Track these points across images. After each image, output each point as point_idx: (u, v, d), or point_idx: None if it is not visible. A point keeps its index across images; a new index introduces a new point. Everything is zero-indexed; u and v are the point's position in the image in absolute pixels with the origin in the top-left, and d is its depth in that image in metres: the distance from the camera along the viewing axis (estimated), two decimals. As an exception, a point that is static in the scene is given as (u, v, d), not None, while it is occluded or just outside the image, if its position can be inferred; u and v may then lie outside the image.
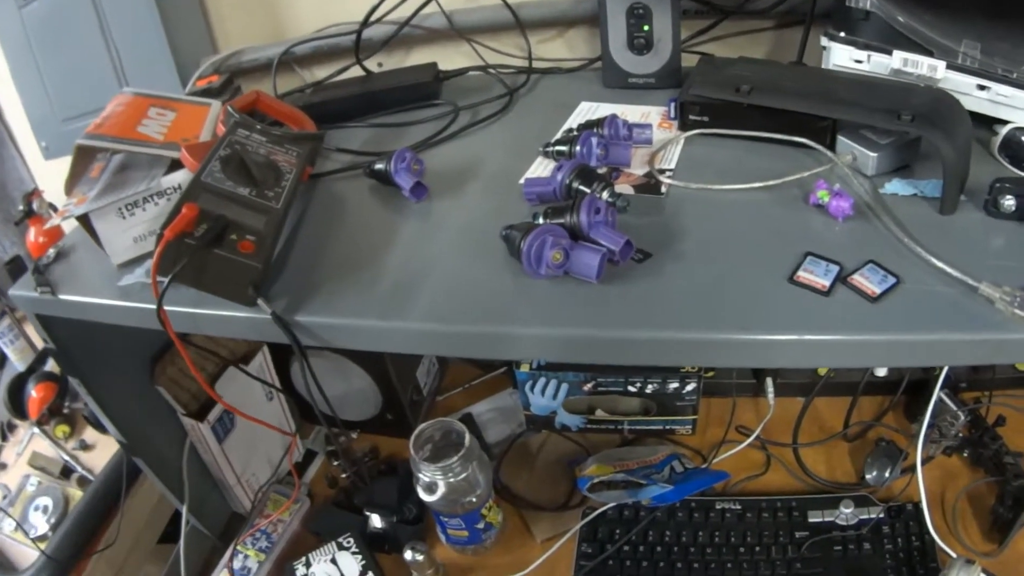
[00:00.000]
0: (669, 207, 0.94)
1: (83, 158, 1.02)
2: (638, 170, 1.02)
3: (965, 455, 1.36)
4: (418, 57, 1.53)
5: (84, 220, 0.96)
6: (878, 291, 0.77)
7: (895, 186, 0.93)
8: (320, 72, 1.53)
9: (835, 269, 0.80)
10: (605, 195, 0.89)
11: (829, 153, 0.98)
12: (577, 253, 0.80)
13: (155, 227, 0.96)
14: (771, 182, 0.93)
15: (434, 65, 1.36)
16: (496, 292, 0.83)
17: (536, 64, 1.41)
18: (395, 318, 0.82)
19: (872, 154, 0.96)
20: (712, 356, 0.81)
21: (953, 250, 0.80)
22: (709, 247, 0.86)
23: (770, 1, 1.34)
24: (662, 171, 1.00)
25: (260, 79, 1.52)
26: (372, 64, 1.46)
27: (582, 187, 0.91)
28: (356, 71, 1.44)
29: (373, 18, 1.41)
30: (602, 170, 0.99)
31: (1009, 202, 0.86)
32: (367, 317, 0.83)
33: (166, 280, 0.81)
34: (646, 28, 1.22)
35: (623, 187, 0.99)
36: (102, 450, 1.55)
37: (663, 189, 0.97)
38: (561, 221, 0.85)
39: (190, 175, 0.94)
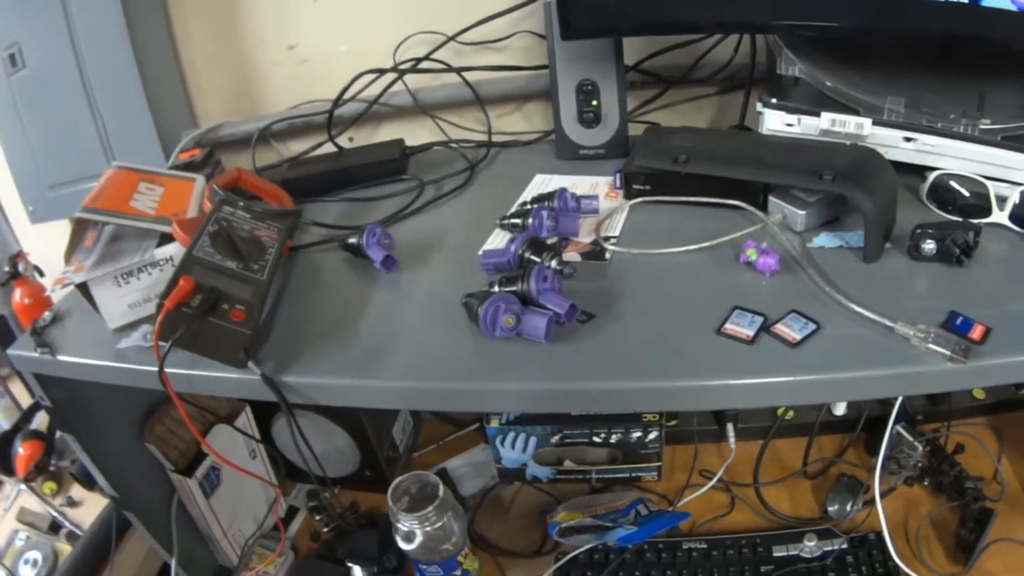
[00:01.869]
0: (612, 272, 1.06)
1: (80, 229, 1.15)
2: (586, 238, 1.14)
3: (926, 484, 1.46)
4: (386, 132, 1.67)
5: (82, 287, 1.07)
6: (798, 337, 0.87)
7: (822, 239, 1.06)
8: (294, 146, 1.66)
9: (759, 320, 0.91)
10: (553, 264, 1.01)
11: (760, 213, 1.10)
12: (527, 317, 0.92)
13: (149, 295, 1.09)
14: (705, 244, 1.05)
15: (401, 141, 1.48)
16: (459, 352, 0.95)
17: (495, 138, 1.54)
18: (371, 377, 0.93)
19: (800, 212, 1.08)
20: (645, 402, 0.95)
21: (875, 294, 0.92)
22: (647, 307, 0.98)
23: (711, 70, 1.49)
24: (607, 238, 1.12)
25: (238, 152, 1.65)
26: (343, 139, 1.59)
27: (533, 257, 1.03)
28: (329, 146, 1.57)
29: (344, 97, 1.55)
30: (552, 240, 1.12)
31: (929, 246, 0.97)
32: (346, 376, 0.94)
33: (167, 345, 0.91)
34: (594, 103, 1.35)
35: (571, 255, 1.10)
36: (89, 507, 1.65)
37: (607, 256, 1.09)
38: (513, 289, 0.96)
39: (182, 249, 1.07)
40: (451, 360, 0.95)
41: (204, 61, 1.67)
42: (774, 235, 1.08)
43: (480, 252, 1.14)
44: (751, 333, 0.90)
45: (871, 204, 0.98)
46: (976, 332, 0.85)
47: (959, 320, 0.87)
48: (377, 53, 1.57)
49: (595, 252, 1.11)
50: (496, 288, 0.99)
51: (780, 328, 0.90)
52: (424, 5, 1.56)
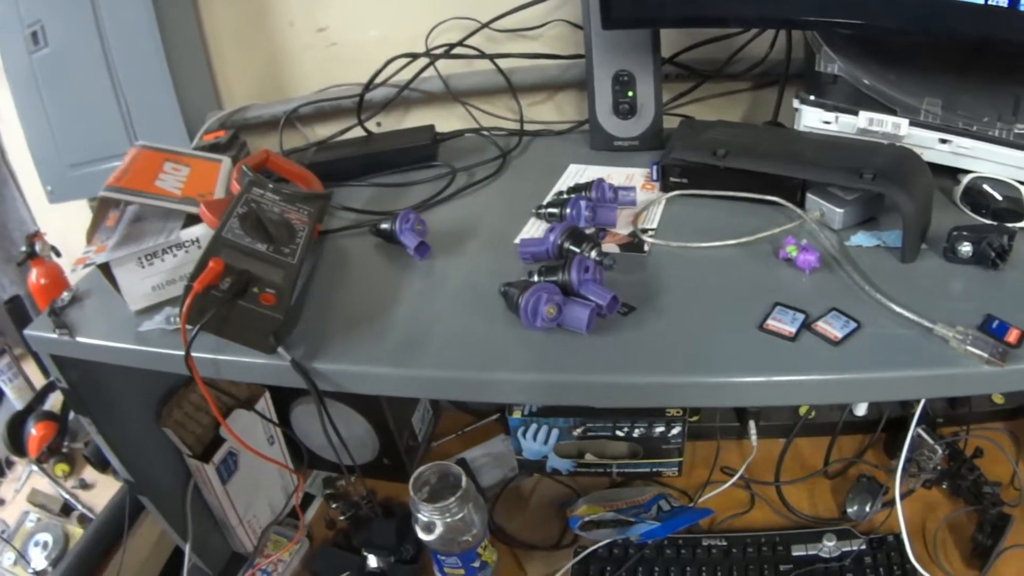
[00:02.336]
0: (651, 264, 1.05)
1: (102, 208, 1.13)
2: (623, 230, 1.13)
3: (944, 487, 1.46)
4: (415, 118, 1.66)
5: (104, 268, 1.06)
6: (840, 335, 0.86)
7: (860, 238, 1.05)
8: (320, 130, 1.66)
9: (801, 317, 0.89)
10: (593, 255, 0.99)
11: (798, 210, 1.09)
12: (569, 308, 0.91)
13: (173, 276, 1.08)
14: (744, 239, 1.04)
15: (431, 128, 1.48)
16: (497, 342, 0.93)
17: (527, 126, 1.53)
18: (408, 365, 0.92)
19: (838, 210, 1.06)
20: (688, 397, 0.95)
21: (913, 295, 0.91)
22: (687, 300, 0.96)
23: (746, 65, 1.48)
24: (645, 231, 1.11)
25: (263, 134, 1.65)
26: (371, 123, 1.58)
27: (572, 247, 1.01)
28: (356, 131, 1.55)
29: (376, 82, 1.54)
30: (590, 231, 1.10)
31: (966, 248, 0.96)
32: (381, 364, 0.93)
33: (194, 328, 0.89)
34: (630, 94, 1.34)
35: (609, 246, 1.09)
36: (101, 490, 1.64)
37: (646, 248, 1.07)
38: (554, 279, 0.95)
39: (208, 230, 1.06)
40: (489, 350, 0.93)
41: (231, 42, 1.67)
42: (812, 232, 1.07)
43: (517, 241, 1.13)
44: (793, 330, 0.89)
45: (910, 204, 0.98)
46: (1012, 336, 0.84)
47: (995, 323, 0.86)
48: (408, 38, 1.56)
49: (633, 244, 1.10)
50: (536, 278, 0.98)
51: (821, 326, 0.89)
52: (457, -8, 1.56)
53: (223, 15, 1.63)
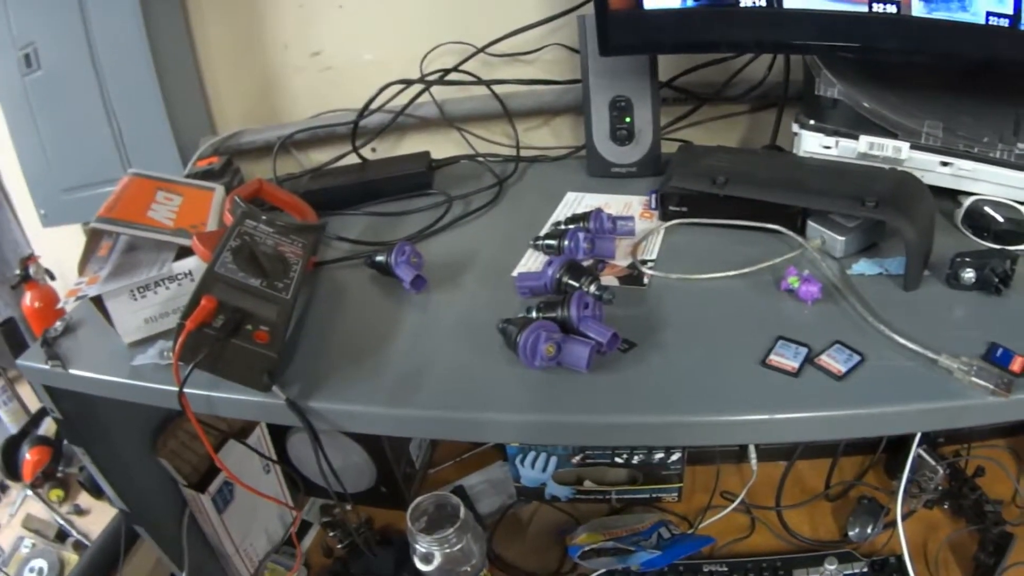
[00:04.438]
0: (651, 297, 1.02)
1: (95, 237, 1.11)
2: (622, 261, 1.11)
3: (946, 507, 1.46)
4: (410, 143, 1.65)
5: (96, 300, 1.03)
6: (844, 370, 0.84)
7: (862, 266, 1.03)
8: (315, 155, 1.64)
9: (804, 351, 0.87)
10: (592, 289, 0.97)
11: (799, 238, 1.07)
12: (568, 346, 0.88)
13: (166, 309, 1.05)
14: (745, 270, 1.02)
15: (427, 154, 1.46)
16: (494, 381, 0.90)
17: (523, 152, 1.51)
18: (403, 406, 0.89)
19: (840, 238, 1.05)
20: (689, 437, 0.92)
21: (917, 324, 0.89)
22: (688, 335, 0.94)
23: (744, 88, 1.47)
24: (644, 262, 1.09)
25: (256, 160, 1.63)
26: (366, 149, 1.57)
27: (571, 282, 0.99)
28: (351, 157, 1.53)
29: (370, 108, 1.52)
30: (588, 263, 1.09)
31: (969, 275, 0.95)
32: (376, 404, 0.90)
33: (187, 367, 0.87)
34: (628, 120, 1.33)
35: (608, 279, 1.07)
36: (97, 515, 1.63)
37: (645, 280, 1.05)
38: (553, 315, 0.93)
39: (201, 263, 1.03)
40: (486, 389, 0.91)
41: (224, 66, 1.65)
42: (813, 261, 1.05)
43: (514, 274, 1.11)
44: (796, 365, 0.87)
45: (913, 232, 0.96)
46: (1016, 364, 0.83)
47: (999, 352, 0.84)
48: (402, 62, 1.55)
49: (633, 276, 1.08)
50: (535, 314, 0.96)
51: (825, 360, 0.87)
52: (452, 16, 1.54)
53: (216, 37, 1.62)
